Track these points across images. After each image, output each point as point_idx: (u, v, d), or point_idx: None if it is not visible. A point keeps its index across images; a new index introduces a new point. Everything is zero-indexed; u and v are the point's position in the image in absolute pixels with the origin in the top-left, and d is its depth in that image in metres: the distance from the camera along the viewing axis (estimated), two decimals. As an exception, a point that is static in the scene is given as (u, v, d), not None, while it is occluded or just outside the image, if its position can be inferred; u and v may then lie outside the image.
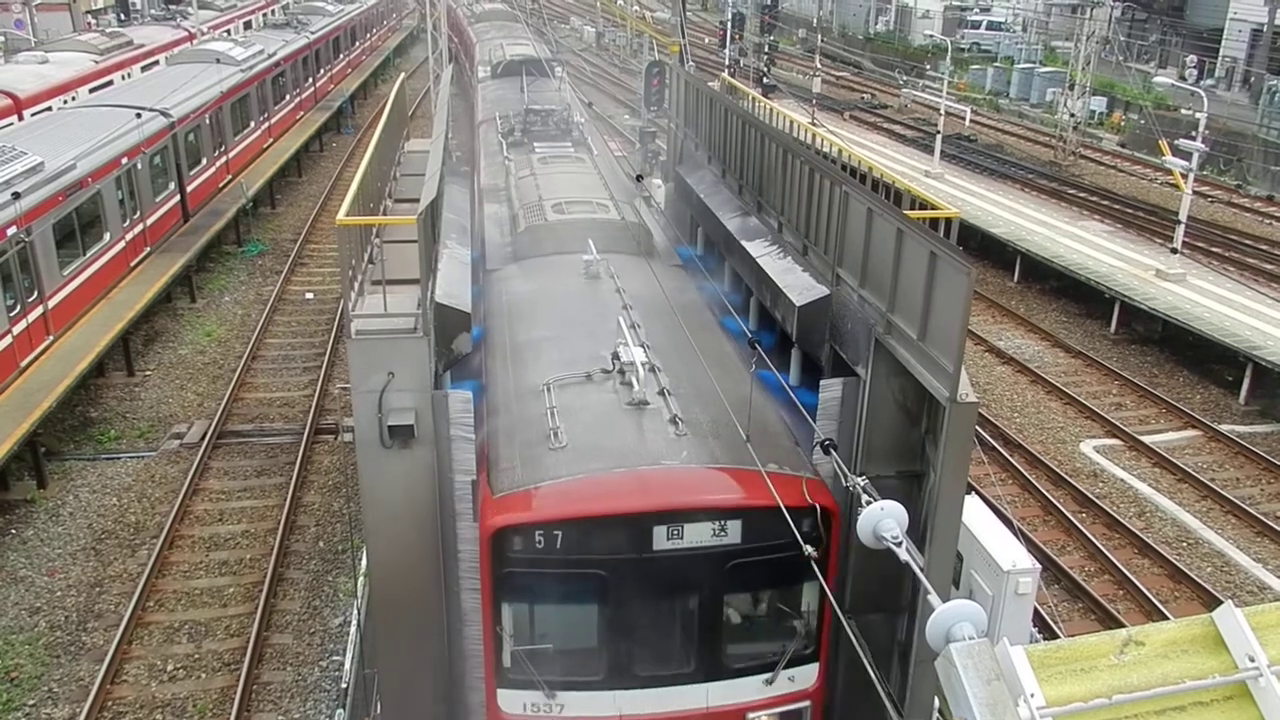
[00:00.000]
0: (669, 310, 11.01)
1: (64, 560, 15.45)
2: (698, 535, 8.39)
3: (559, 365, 9.99)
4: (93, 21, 50.72)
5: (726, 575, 8.59)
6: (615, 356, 9.63)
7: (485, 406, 9.81)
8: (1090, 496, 17.41)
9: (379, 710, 10.00)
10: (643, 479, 8.49)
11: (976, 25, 61.23)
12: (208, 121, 28.85)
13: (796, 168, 11.54)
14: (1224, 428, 19.95)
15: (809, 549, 7.45)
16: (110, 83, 32.73)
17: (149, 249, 24.30)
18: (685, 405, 9.29)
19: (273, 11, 55.12)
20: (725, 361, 10.62)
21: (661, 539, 8.32)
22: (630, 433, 8.95)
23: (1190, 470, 18.29)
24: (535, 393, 9.59)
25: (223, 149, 30.43)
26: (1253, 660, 4.16)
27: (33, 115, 27.22)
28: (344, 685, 11.79)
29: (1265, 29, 44.61)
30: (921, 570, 5.98)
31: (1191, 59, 47.31)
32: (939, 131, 35.70)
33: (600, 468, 8.58)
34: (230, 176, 30.86)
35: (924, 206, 10.15)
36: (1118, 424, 19.93)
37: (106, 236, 21.93)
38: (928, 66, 54.27)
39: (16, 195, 18.05)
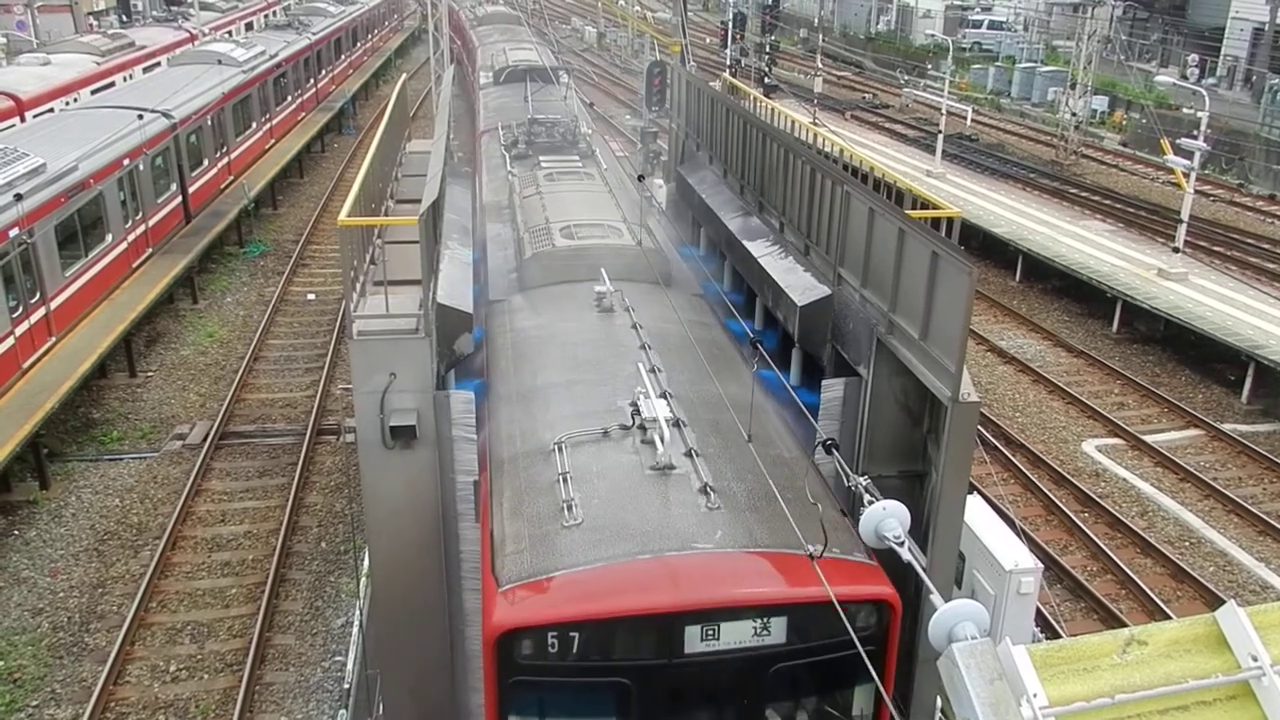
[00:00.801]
0: (692, 349, 10.14)
1: (66, 561, 15.47)
2: (736, 635, 7.23)
3: (572, 419, 8.98)
4: (94, 23, 50.76)
5: (770, 681, 7.44)
6: (635, 409, 8.63)
7: (491, 465, 8.91)
8: (1092, 496, 17.39)
9: (381, 711, 10.01)
10: (672, 569, 7.32)
11: (978, 25, 61.18)
12: (209, 123, 28.87)
13: (798, 168, 11.55)
14: (1226, 427, 19.93)
15: (865, 647, 6.10)
16: (112, 84, 32.76)
17: (151, 250, 24.32)
18: (716, 470, 8.22)
19: (274, 13, 55.16)
20: (760, 414, 9.25)
21: (695, 640, 7.18)
22: (655, 506, 7.82)
23: (1192, 469, 18.27)
24: (545, 454, 8.54)
25: (224, 150, 30.46)
26: (1256, 660, 4.16)
27: (35, 117, 27.25)
28: (346, 686, 11.80)
29: (1267, 28, 44.57)
30: (924, 570, 5.98)
31: (1193, 58, 47.26)
32: (940, 131, 35.68)
33: (622, 553, 7.43)
34: (232, 177, 30.88)
35: (925, 206, 10.15)
36: (1120, 423, 19.92)
37: (108, 238, 21.95)
38: (929, 66, 54.25)
39: (19, 196, 18.07)
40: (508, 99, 24.22)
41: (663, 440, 8.14)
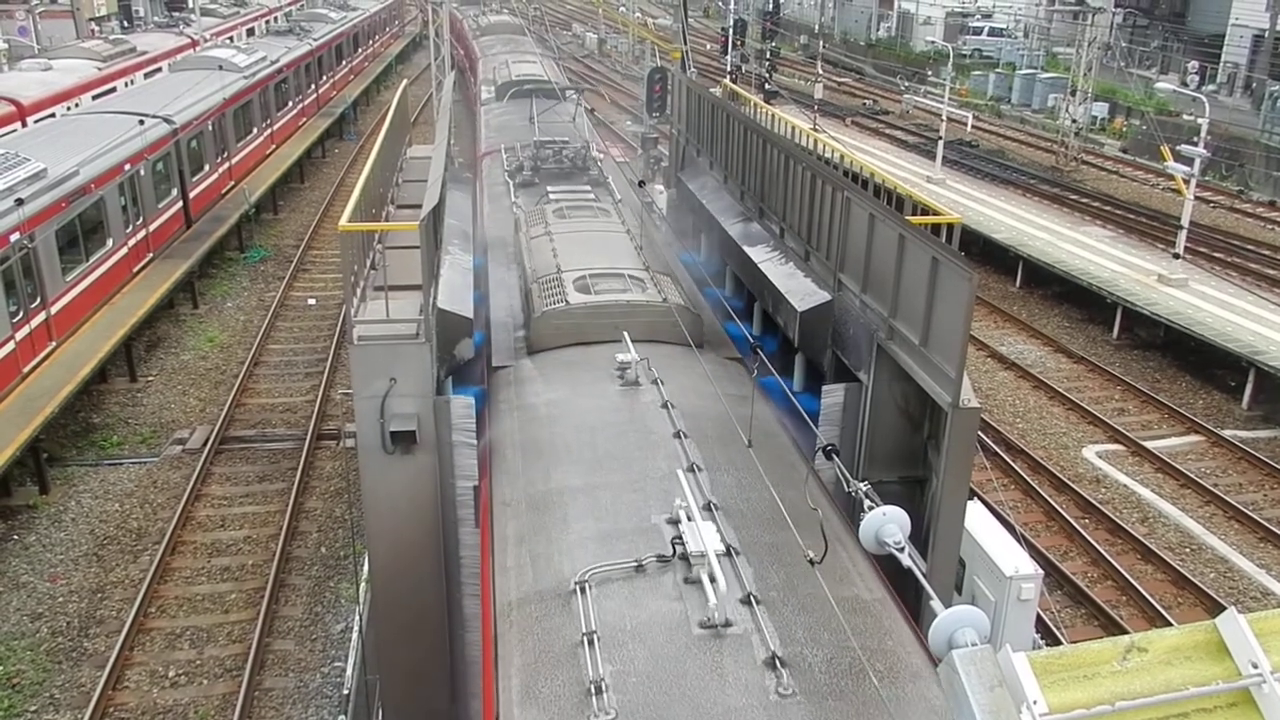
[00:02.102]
0: (735, 437, 8.48)
1: (66, 566, 15.45)
2: None
3: (595, 543, 7.36)
4: (96, 28, 50.80)
5: None
6: (676, 534, 7.04)
7: (497, 608, 7.34)
8: (1093, 502, 17.38)
9: (380, 716, 9.99)
10: None
11: (978, 31, 61.27)
12: (210, 128, 28.90)
13: (798, 173, 11.56)
14: (1227, 433, 19.91)
15: None
16: (113, 89, 32.79)
17: (152, 255, 24.33)
18: (784, 627, 6.43)
19: (275, 18, 55.25)
20: (830, 524, 7.46)
21: None
22: (709, 690, 5.97)
23: (1193, 476, 18.25)
24: (564, 597, 6.88)
25: (225, 155, 30.48)
26: (1256, 667, 4.15)
27: (36, 122, 27.29)
28: (346, 691, 11.78)
29: (1267, 35, 44.62)
30: (924, 575, 5.97)
31: (1193, 64, 47.32)
32: (940, 137, 35.71)
33: None
34: (233, 183, 30.91)
35: (926, 212, 10.16)
36: (1120, 429, 19.91)
37: (109, 243, 21.95)
38: (929, 72, 54.31)
39: (20, 201, 18.08)
40: (511, 117, 22.73)
41: (713, 582, 6.48)
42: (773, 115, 14.80)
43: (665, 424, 8.82)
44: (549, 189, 15.60)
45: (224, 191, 30.08)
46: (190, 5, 48.40)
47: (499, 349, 11.12)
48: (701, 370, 9.68)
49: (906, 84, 51.37)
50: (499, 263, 13.71)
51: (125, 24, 54.70)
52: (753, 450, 8.12)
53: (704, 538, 6.83)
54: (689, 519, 7.07)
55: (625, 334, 9.95)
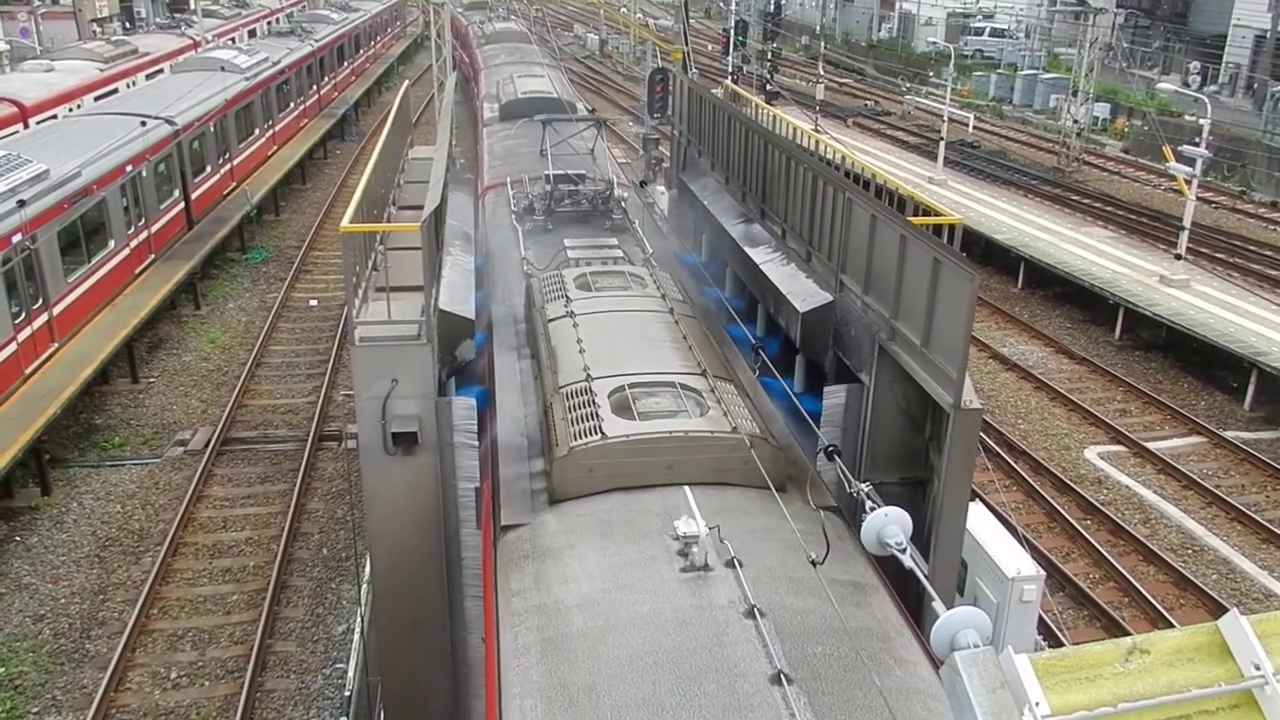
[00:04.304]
0: (857, 662, 6.14)
1: (68, 567, 15.46)
2: None
3: None
4: (98, 30, 50.88)
5: None
6: None
7: None
8: (1095, 503, 17.36)
9: (382, 717, 9.99)
10: None
11: (979, 32, 61.28)
12: (212, 129, 28.93)
13: (800, 174, 11.56)
14: (1229, 434, 19.89)
15: None
16: (115, 90, 32.84)
17: (153, 256, 24.35)
18: None
19: (277, 20, 55.30)
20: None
21: None
22: None
23: (1195, 477, 18.23)
24: None
25: (227, 156, 30.51)
26: (1258, 668, 4.14)
27: (38, 123, 27.32)
28: (347, 693, 11.77)
29: (1269, 35, 44.60)
30: (925, 577, 5.96)
31: (1195, 65, 47.31)
32: (942, 138, 35.71)
33: None
34: (234, 184, 30.94)
35: (927, 213, 10.16)
36: (1122, 430, 19.89)
37: (111, 244, 21.97)
38: (931, 73, 54.31)
39: (22, 203, 18.10)
40: (518, 142, 20.25)
41: None
42: (774, 116, 14.81)
43: (757, 654, 6.04)
44: (566, 241, 13.17)
45: (226, 193, 30.11)
46: (192, 6, 48.47)
47: (509, 495, 8.45)
48: (791, 533, 7.09)
49: (908, 85, 51.37)
50: (506, 347, 11.22)
51: (127, 25, 54.78)
52: (885, 695, 5.64)
53: None
54: None
55: (686, 491, 7.31)
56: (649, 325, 10.23)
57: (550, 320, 10.38)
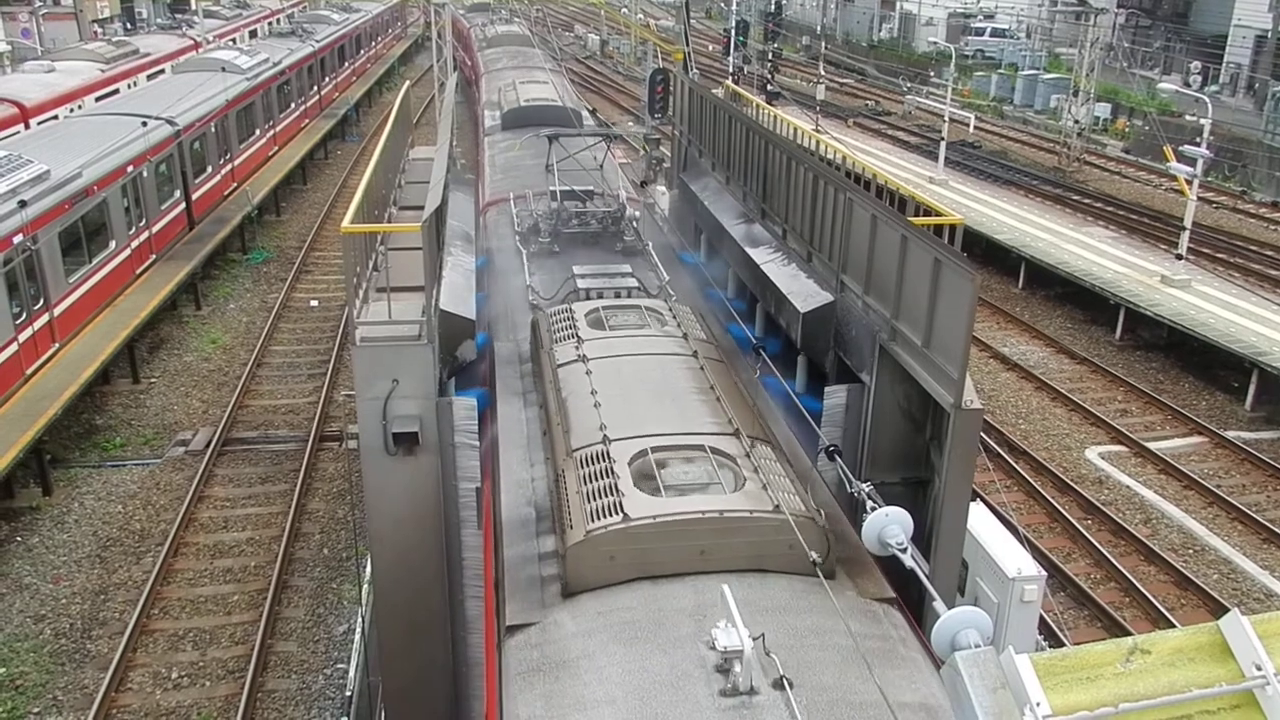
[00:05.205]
0: None
1: (69, 567, 15.47)
2: None
3: None
4: (99, 30, 50.92)
5: None
6: None
7: None
8: (1096, 503, 17.36)
9: (383, 718, 9.99)
10: None
11: (980, 32, 61.29)
12: (213, 130, 28.95)
13: (800, 174, 11.56)
14: (1230, 434, 19.89)
15: None
16: (116, 91, 32.87)
17: (154, 257, 24.36)
18: None
19: (278, 20, 55.33)
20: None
21: None
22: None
23: (1196, 477, 18.23)
24: None
25: (228, 157, 30.53)
26: (1259, 669, 4.14)
27: (39, 124, 27.34)
28: (348, 693, 11.77)
29: (1269, 35, 44.59)
30: (927, 577, 5.97)
31: (1195, 65, 47.31)
32: (943, 138, 35.71)
33: None
34: (235, 184, 30.96)
35: (928, 213, 10.16)
36: (1123, 430, 19.88)
37: (112, 244, 21.99)
38: (931, 73, 54.31)
39: (23, 203, 18.11)
40: (521, 154, 19.29)
41: None
42: (775, 116, 14.81)
43: None
44: (575, 269, 12.16)
45: (226, 193, 30.12)
46: (193, 7, 48.49)
47: (515, 585, 7.36)
48: (846, 636, 6.26)
49: (909, 85, 51.37)
50: (510, 393, 10.24)
51: (128, 26, 54.82)
52: None
53: None
54: None
55: (726, 590, 6.02)
56: (672, 372, 9.21)
57: (560, 364, 9.43)
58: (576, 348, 9.58)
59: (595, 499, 7.21)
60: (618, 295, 11.41)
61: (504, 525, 8.15)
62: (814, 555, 6.73)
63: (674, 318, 10.39)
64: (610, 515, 6.98)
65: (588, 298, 11.25)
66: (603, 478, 7.43)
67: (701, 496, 7.19)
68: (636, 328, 10.13)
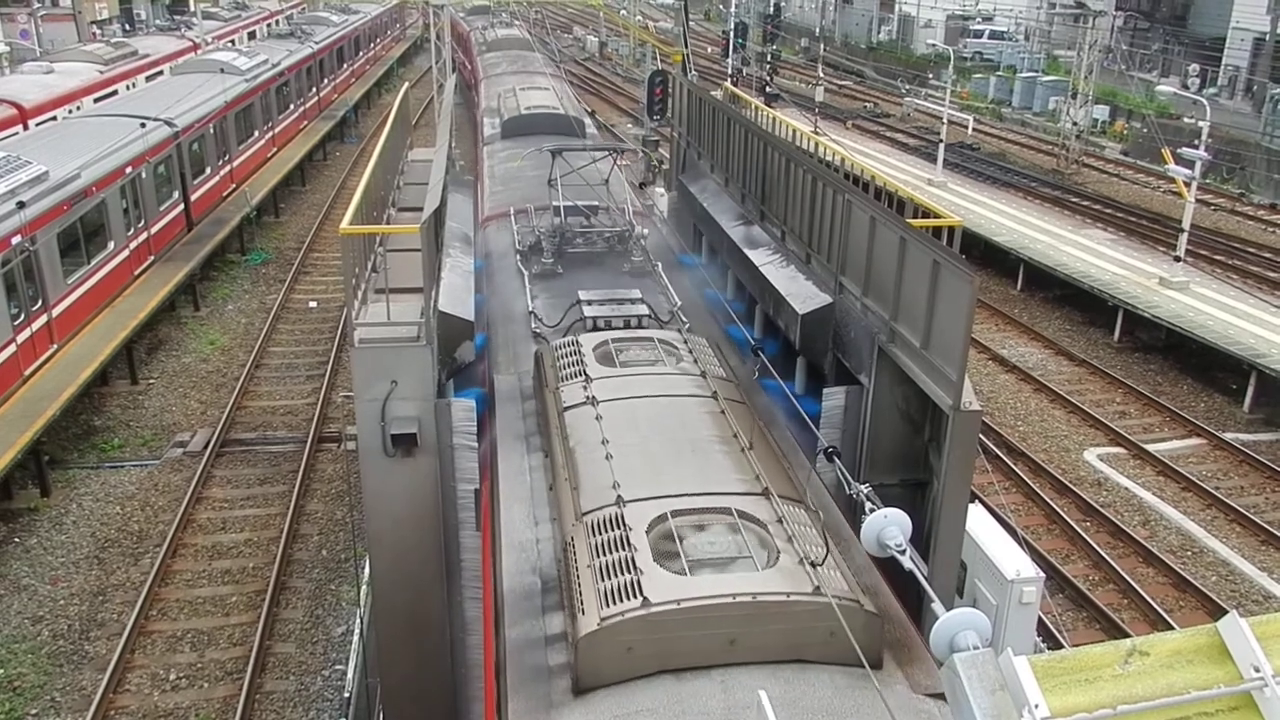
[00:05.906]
0: None
1: (67, 569, 15.45)
2: None
3: None
4: (98, 32, 50.91)
5: None
6: None
7: None
8: (1094, 505, 17.36)
9: (381, 719, 9.99)
10: None
11: (979, 34, 61.31)
12: (212, 131, 28.95)
13: (799, 176, 11.57)
14: (1228, 436, 19.90)
15: None
16: (115, 92, 32.86)
17: (153, 258, 24.36)
18: None
19: (277, 22, 55.33)
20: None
21: None
22: None
23: (1194, 479, 18.23)
24: None
25: (227, 158, 30.53)
26: (1258, 670, 4.14)
27: (38, 125, 27.33)
28: (347, 694, 11.77)
29: (1268, 38, 44.63)
30: (925, 578, 5.96)
31: (1194, 68, 47.34)
32: (941, 140, 35.71)
33: None
34: (234, 185, 30.96)
35: (927, 215, 10.16)
36: (1121, 432, 19.89)
37: (110, 245, 21.98)
38: (930, 75, 54.33)
39: (21, 204, 18.11)
40: (523, 165, 18.44)
41: None
42: (773, 118, 14.81)
43: None
44: (581, 294, 11.43)
45: (225, 194, 30.12)
46: (192, 8, 48.49)
47: (519, 675, 6.46)
48: None
49: (907, 87, 51.41)
50: (511, 435, 9.36)
51: (127, 27, 54.80)
52: None
53: None
54: None
55: (762, 696, 4.94)
56: (691, 417, 8.34)
57: (566, 408, 8.60)
58: (584, 388, 8.80)
59: (610, 576, 6.33)
60: (627, 324, 10.67)
61: (505, 597, 7.16)
62: (858, 642, 5.51)
63: (689, 351, 9.67)
64: (628, 598, 6.09)
65: (595, 328, 10.53)
66: (618, 549, 6.56)
67: (730, 575, 6.32)
68: (649, 364, 9.37)
